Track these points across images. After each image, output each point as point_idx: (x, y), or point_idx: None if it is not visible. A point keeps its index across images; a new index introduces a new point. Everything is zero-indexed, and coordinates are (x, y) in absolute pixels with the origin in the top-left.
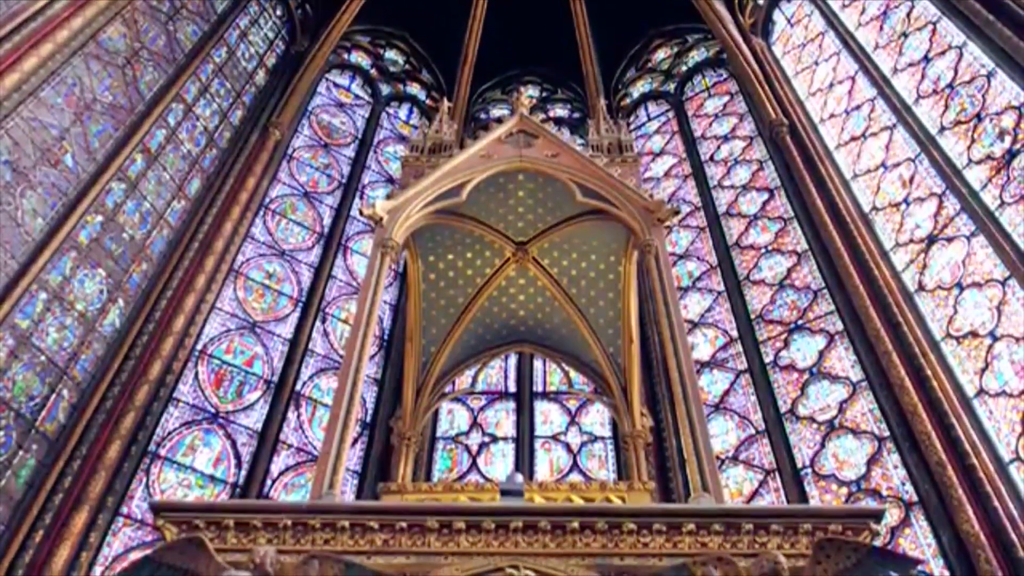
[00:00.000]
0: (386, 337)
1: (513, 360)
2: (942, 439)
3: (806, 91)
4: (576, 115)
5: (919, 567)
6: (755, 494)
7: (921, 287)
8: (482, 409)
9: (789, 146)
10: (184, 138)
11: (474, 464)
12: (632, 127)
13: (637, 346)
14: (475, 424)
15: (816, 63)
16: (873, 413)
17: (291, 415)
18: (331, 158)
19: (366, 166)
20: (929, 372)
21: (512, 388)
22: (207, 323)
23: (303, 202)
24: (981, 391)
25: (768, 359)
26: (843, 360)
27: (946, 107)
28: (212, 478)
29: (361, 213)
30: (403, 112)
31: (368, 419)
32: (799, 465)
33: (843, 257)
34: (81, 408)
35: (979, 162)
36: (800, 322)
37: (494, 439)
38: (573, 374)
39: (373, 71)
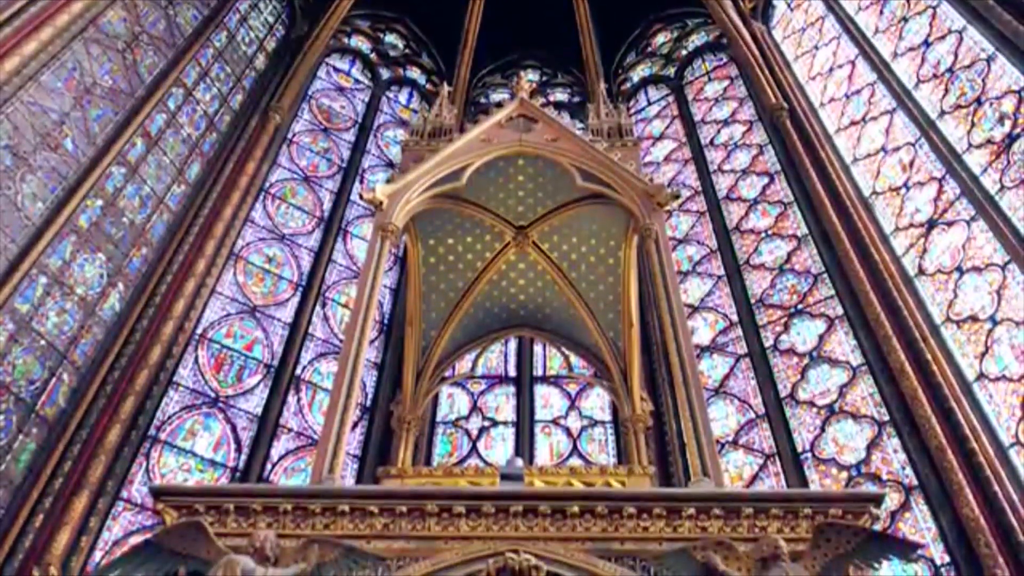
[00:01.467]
0: (386, 321)
1: (513, 344)
2: (942, 423)
3: (806, 75)
4: (576, 99)
5: (919, 551)
6: (755, 478)
7: (921, 271)
8: (482, 393)
9: (789, 130)
10: (184, 122)
11: (474, 448)
12: (632, 111)
13: (637, 330)
14: (475, 408)
15: (816, 47)
16: (873, 397)
17: (291, 399)
18: (331, 142)
19: (366, 150)
20: (929, 356)
21: (512, 372)
22: (207, 307)
23: (303, 186)
24: (981, 375)
25: (768, 343)
26: (843, 344)
27: (946, 91)
28: (212, 462)
29: (361, 197)
30: (403, 96)
31: (368, 403)
32: (799, 449)
33: (843, 241)
34: (81, 392)
35: (979, 146)
36: (800, 306)
37: (494, 423)
38: (573, 358)
39: (373, 55)
